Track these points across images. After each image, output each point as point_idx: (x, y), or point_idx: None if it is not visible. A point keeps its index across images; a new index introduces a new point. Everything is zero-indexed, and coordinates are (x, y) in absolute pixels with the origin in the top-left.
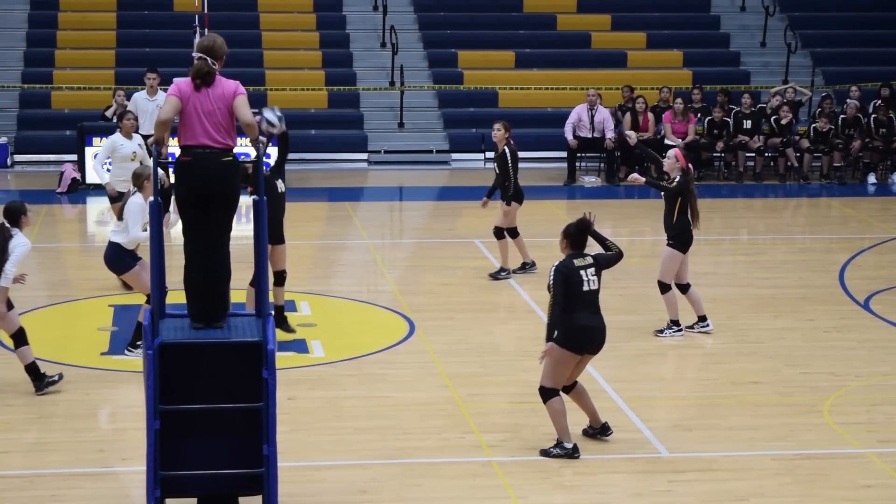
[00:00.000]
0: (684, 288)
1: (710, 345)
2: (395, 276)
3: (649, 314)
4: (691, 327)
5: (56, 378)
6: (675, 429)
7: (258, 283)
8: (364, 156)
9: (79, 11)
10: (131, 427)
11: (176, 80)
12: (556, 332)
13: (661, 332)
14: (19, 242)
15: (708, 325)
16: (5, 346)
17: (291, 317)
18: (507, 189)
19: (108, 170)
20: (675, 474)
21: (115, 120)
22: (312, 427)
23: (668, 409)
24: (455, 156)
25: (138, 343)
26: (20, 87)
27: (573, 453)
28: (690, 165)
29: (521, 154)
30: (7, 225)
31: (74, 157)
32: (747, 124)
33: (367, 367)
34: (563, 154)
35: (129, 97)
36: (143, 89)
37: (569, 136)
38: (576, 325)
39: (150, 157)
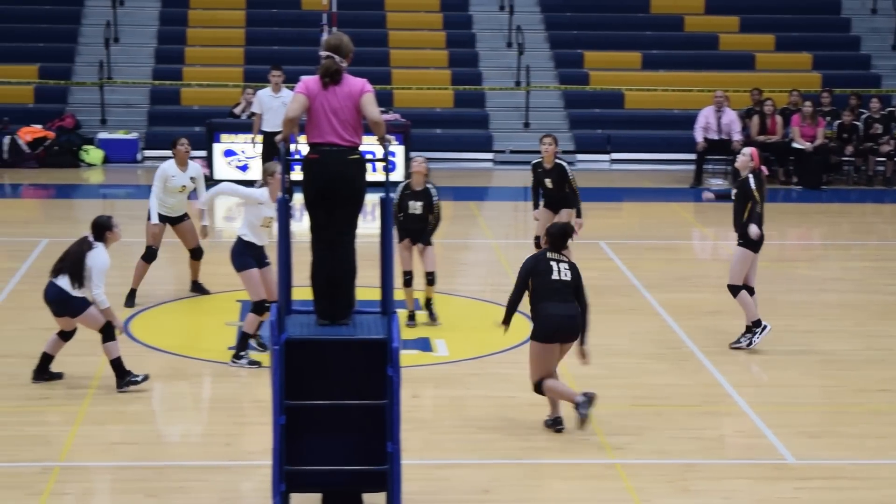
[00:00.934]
0: (750, 291)
1: (838, 351)
2: None
3: (775, 319)
4: (738, 343)
5: (140, 378)
6: (802, 435)
7: (384, 281)
8: (489, 155)
9: (209, 9)
10: (257, 422)
11: (303, 77)
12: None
13: (739, 342)
14: (98, 258)
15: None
16: (136, 340)
17: (416, 315)
18: (575, 198)
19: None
20: (801, 481)
21: (243, 116)
22: (436, 425)
23: (794, 415)
24: (580, 156)
25: (241, 354)
26: (151, 83)
27: (582, 406)
28: (764, 167)
29: (645, 156)
30: (90, 239)
31: (203, 153)
32: (878, 128)
33: (490, 366)
34: (690, 156)
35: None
36: (268, 86)
37: (699, 137)
38: (543, 313)
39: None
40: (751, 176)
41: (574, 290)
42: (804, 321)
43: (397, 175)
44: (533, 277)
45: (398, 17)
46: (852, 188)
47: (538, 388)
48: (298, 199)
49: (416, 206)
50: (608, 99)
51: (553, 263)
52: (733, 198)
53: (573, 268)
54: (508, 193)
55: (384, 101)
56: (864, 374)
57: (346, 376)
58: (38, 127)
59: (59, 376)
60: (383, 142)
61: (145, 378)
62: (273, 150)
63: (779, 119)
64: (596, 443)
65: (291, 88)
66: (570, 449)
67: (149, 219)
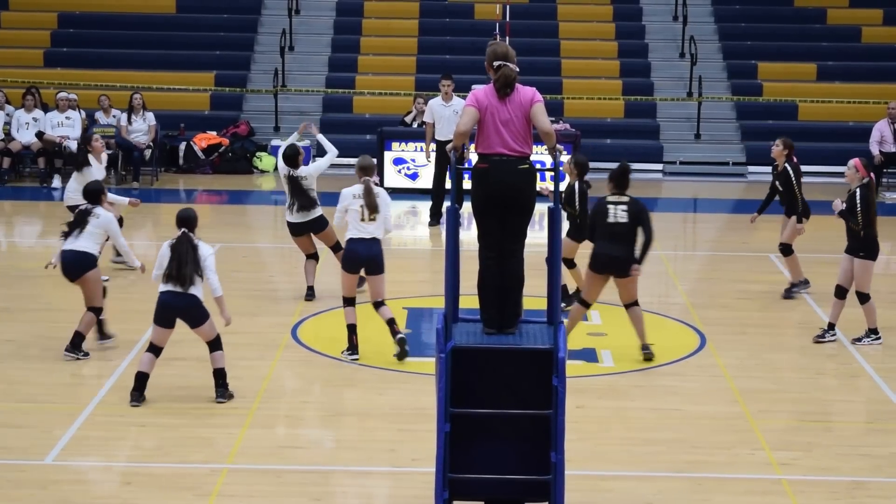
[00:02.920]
0: (843, 293)
1: None
2: (688, 289)
3: None
4: (822, 337)
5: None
6: None
7: (551, 290)
8: (659, 166)
9: (382, 18)
10: (421, 429)
11: (474, 88)
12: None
13: (860, 339)
14: (206, 251)
15: (835, 335)
16: (303, 344)
17: (582, 325)
18: (796, 206)
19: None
20: None
21: (414, 125)
22: (600, 436)
23: None
24: (752, 168)
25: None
26: (324, 91)
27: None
28: (872, 175)
29: (820, 168)
30: (190, 233)
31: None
32: None
33: (656, 378)
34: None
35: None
36: (439, 95)
37: (874, 150)
38: (596, 251)
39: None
40: (857, 188)
41: (630, 230)
42: None
43: (562, 185)
44: (595, 219)
45: (570, 26)
46: None
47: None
48: (467, 207)
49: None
50: (782, 110)
51: (610, 207)
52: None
53: (630, 206)
54: (678, 205)
55: (555, 110)
56: None
57: (512, 385)
58: (213, 134)
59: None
60: (553, 152)
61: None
62: (446, 158)
63: None
64: (763, 458)
65: (463, 97)
66: (735, 463)
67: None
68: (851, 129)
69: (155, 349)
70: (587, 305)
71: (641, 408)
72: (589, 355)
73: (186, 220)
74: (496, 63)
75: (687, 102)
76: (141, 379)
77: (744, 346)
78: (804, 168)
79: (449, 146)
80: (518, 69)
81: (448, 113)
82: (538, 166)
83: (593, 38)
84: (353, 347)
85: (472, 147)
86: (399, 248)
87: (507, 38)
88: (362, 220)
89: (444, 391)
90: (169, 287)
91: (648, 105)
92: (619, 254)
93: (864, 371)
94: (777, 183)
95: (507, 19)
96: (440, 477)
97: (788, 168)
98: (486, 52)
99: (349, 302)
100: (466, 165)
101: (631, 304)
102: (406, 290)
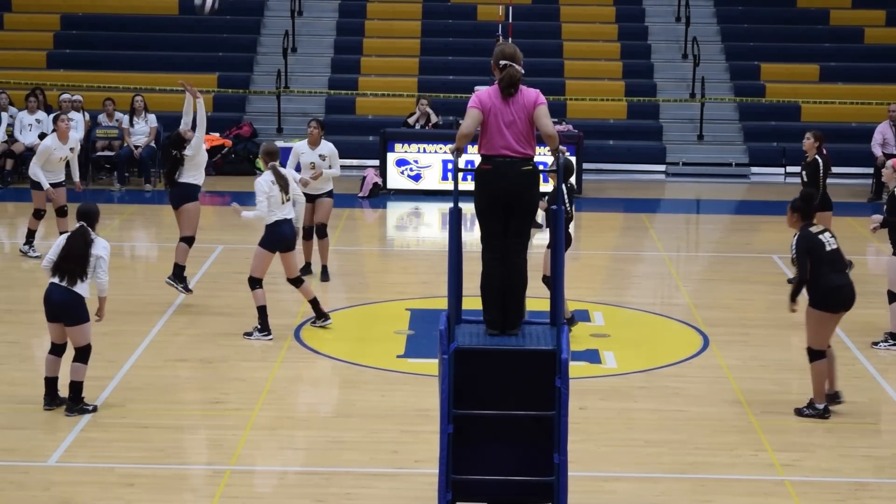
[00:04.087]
0: None
1: None
2: (690, 290)
3: None
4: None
5: (91, 408)
6: None
7: (554, 291)
8: (662, 167)
9: (385, 20)
10: (424, 430)
11: (477, 90)
12: (809, 296)
13: (877, 343)
14: (101, 248)
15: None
16: (306, 346)
17: (585, 327)
18: (815, 198)
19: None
20: None
21: (416, 127)
22: (602, 438)
23: None
24: (755, 169)
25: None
26: (327, 92)
27: (824, 414)
28: None
29: None
30: (88, 228)
31: (377, 162)
32: None
33: (659, 379)
34: (867, 170)
35: (431, 105)
36: (441, 96)
37: (877, 153)
38: (828, 286)
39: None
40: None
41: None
42: None
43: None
44: (811, 253)
45: (573, 27)
46: None
47: (817, 355)
48: (469, 209)
49: None
50: (784, 111)
51: (819, 236)
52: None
53: (830, 232)
54: (681, 206)
55: (557, 111)
56: None
57: (515, 386)
58: (216, 135)
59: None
60: (556, 154)
61: (94, 409)
62: None
63: None
64: (766, 459)
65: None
66: (738, 464)
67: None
68: (854, 130)
69: (55, 348)
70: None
71: (644, 409)
72: (592, 356)
73: (86, 215)
74: (502, 63)
75: (690, 104)
76: (50, 384)
77: (746, 347)
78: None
79: (451, 147)
80: (523, 71)
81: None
82: (541, 167)
83: (596, 39)
84: (265, 328)
85: (476, 148)
86: (401, 249)
87: (510, 38)
88: (282, 202)
89: (447, 392)
90: (55, 280)
91: (651, 106)
92: (848, 281)
93: (866, 372)
94: (804, 174)
95: (510, 20)
96: (443, 478)
97: (819, 159)
98: (493, 52)
99: (259, 283)
100: (469, 167)
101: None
102: (409, 292)
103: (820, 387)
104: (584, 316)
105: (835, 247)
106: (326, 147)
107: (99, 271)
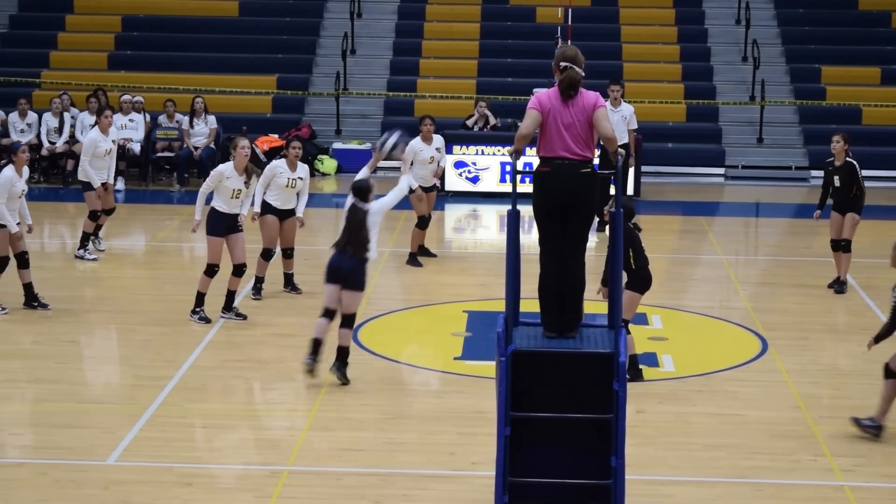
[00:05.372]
0: None
1: None
2: (749, 293)
3: None
4: None
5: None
6: None
7: (612, 293)
8: (721, 170)
9: (444, 21)
10: (481, 432)
11: (536, 91)
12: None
13: None
14: (374, 218)
15: None
16: (364, 347)
17: (643, 330)
18: (861, 200)
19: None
20: None
21: (474, 129)
22: (660, 441)
23: None
24: (815, 172)
25: (197, 310)
26: (385, 94)
27: (878, 432)
28: None
29: (882, 173)
30: (359, 203)
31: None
32: None
33: (717, 383)
34: None
35: (489, 107)
36: (500, 98)
37: None
38: None
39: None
40: None
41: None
42: None
43: (628, 189)
44: None
45: (632, 30)
46: None
47: (892, 374)
48: (527, 211)
49: None
50: (845, 114)
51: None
52: None
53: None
54: (740, 209)
55: None
56: None
57: (572, 389)
58: (275, 136)
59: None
60: (615, 156)
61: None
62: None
63: None
64: (824, 464)
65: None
66: (797, 469)
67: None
68: None
69: (328, 313)
70: None
71: (702, 413)
72: (650, 360)
73: (357, 190)
74: (563, 64)
75: (749, 106)
76: (315, 344)
77: (806, 352)
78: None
79: (510, 149)
80: (583, 73)
81: (616, 118)
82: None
83: (655, 41)
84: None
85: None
86: (459, 251)
87: (569, 41)
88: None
89: (505, 394)
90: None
91: (711, 109)
92: None
93: None
94: (836, 178)
95: (569, 22)
96: (500, 480)
97: (854, 162)
98: (554, 54)
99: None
100: (527, 169)
101: None
102: (466, 294)
103: (887, 405)
104: (641, 319)
105: None
106: (439, 140)
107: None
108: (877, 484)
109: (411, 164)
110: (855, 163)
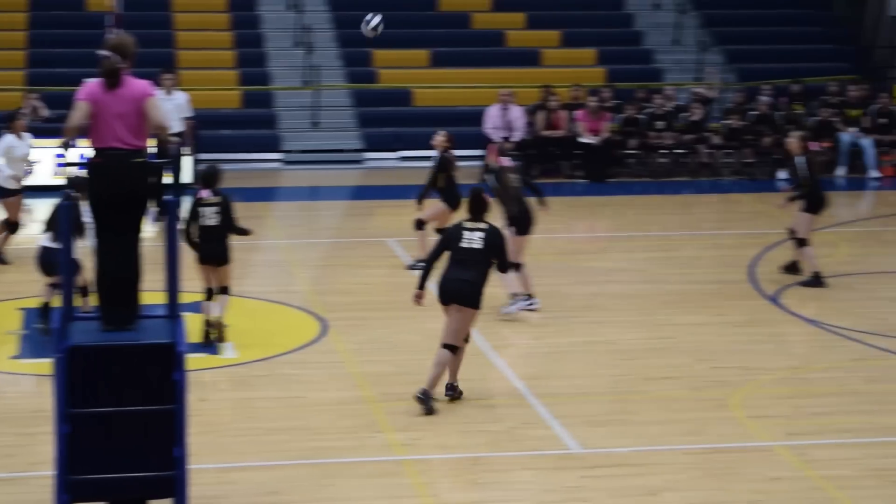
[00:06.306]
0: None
1: (623, 341)
2: (308, 276)
3: (563, 311)
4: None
5: None
6: (588, 424)
7: (169, 284)
8: (278, 155)
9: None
10: (41, 431)
11: (86, 81)
12: None
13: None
14: None
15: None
16: None
17: (203, 318)
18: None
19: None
20: (587, 470)
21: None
22: (224, 429)
23: (580, 404)
24: (369, 155)
25: None
26: None
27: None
28: (503, 160)
29: (433, 153)
30: None
31: None
32: (661, 122)
33: (279, 367)
34: (479, 152)
35: (43, 98)
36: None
37: (494, 137)
38: (441, 278)
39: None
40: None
41: (483, 257)
42: (591, 312)
43: (184, 178)
44: (447, 245)
45: (185, 17)
46: (636, 180)
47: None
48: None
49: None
50: (397, 97)
51: (465, 232)
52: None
53: (490, 236)
54: (297, 194)
55: None
56: (648, 362)
57: (133, 382)
58: None
59: None
60: (167, 145)
61: None
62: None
63: (564, 114)
64: (384, 440)
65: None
66: (359, 447)
67: None
68: (465, 113)
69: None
70: None
71: (265, 397)
72: (211, 348)
73: None
74: (102, 53)
75: (304, 91)
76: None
77: (364, 331)
78: (419, 153)
79: (61, 140)
80: (128, 63)
81: (169, 106)
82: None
83: (208, 28)
84: None
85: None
86: (14, 247)
87: (120, 29)
88: None
89: (62, 391)
90: None
91: (265, 95)
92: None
93: (480, 350)
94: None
95: (120, 10)
96: (60, 479)
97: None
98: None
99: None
100: (82, 160)
101: None
102: (22, 291)
103: (440, 373)
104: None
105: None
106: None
107: None
108: (435, 456)
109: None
110: (439, 157)
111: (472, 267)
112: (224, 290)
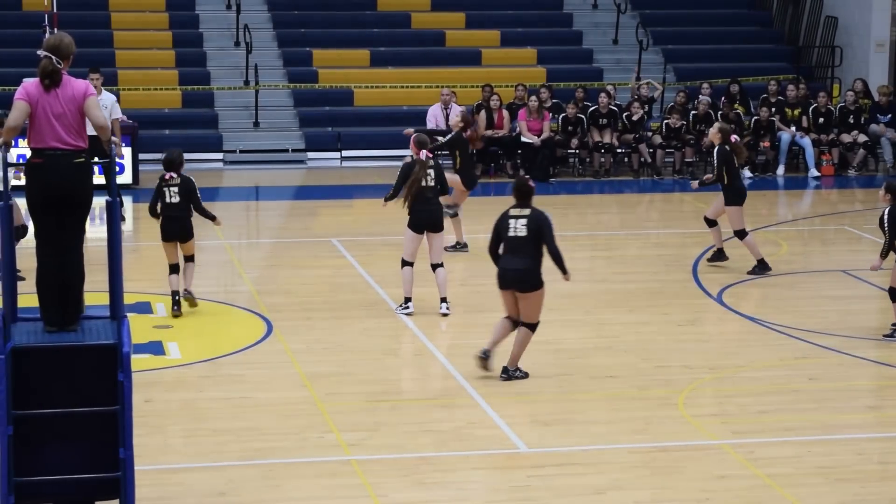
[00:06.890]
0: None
1: (568, 340)
2: (253, 277)
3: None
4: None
5: None
6: (534, 424)
7: (113, 285)
8: (219, 155)
9: None
10: None
11: (24, 81)
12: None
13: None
14: None
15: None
16: None
17: (147, 319)
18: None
19: None
20: (534, 469)
21: None
22: (169, 429)
23: (527, 404)
24: (311, 154)
25: None
26: None
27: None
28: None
29: (375, 153)
30: None
31: None
32: (602, 121)
33: (224, 368)
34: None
35: None
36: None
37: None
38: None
39: None
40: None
41: (530, 243)
42: None
43: (125, 178)
44: (498, 233)
45: (123, 17)
46: (578, 180)
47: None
48: (23, 204)
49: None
50: (337, 97)
51: (511, 221)
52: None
53: (531, 222)
54: (240, 193)
55: None
56: (593, 361)
57: (77, 383)
58: None
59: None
60: (109, 145)
61: None
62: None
63: (505, 114)
64: (332, 441)
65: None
66: (306, 447)
67: None
68: (405, 112)
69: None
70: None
71: (210, 398)
72: (156, 348)
73: None
74: (40, 54)
75: (244, 91)
76: None
77: (310, 331)
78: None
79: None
80: (66, 64)
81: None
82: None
83: (147, 28)
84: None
85: (25, 142)
86: None
87: (56, 29)
88: None
89: (5, 393)
90: None
91: (206, 95)
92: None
93: (426, 349)
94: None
95: (56, 10)
96: (4, 482)
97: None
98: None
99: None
100: (21, 162)
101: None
102: None
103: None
104: (146, 308)
105: None
106: None
107: None
108: (382, 456)
109: None
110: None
111: (523, 254)
112: (190, 259)
